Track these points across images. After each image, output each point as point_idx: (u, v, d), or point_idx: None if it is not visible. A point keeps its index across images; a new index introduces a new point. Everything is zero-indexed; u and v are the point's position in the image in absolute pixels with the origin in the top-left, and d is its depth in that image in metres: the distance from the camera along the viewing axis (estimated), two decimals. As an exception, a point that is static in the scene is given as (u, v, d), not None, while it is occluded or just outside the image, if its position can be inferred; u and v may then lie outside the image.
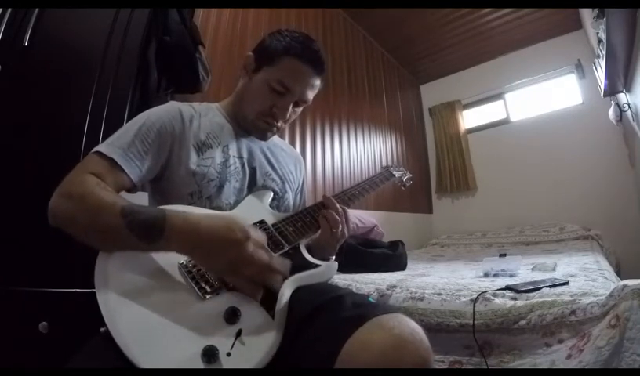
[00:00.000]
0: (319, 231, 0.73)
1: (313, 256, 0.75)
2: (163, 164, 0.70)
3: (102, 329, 0.48)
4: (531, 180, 3.38)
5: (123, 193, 0.65)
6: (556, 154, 3.26)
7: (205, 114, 0.78)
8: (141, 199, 0.75)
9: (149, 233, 0.52)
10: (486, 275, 1.37)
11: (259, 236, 0.55)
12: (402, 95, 3.88)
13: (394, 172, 1.08)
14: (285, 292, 0.56)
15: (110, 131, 0.69)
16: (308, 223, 0.72)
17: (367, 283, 1.36)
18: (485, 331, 0.94)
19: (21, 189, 0.86)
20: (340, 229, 0.73)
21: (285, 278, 0.56)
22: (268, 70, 0.75)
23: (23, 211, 0.84)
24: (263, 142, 0.85)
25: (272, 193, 0.80)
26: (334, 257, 0.79)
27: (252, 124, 0.79)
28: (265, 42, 0.78)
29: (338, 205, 0.74)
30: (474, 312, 0.97)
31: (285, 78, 0.74)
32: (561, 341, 0.84)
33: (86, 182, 0.57)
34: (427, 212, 3.93)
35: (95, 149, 0.63)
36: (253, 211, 0.72)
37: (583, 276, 1.19)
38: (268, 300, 0.55)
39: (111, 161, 0.62)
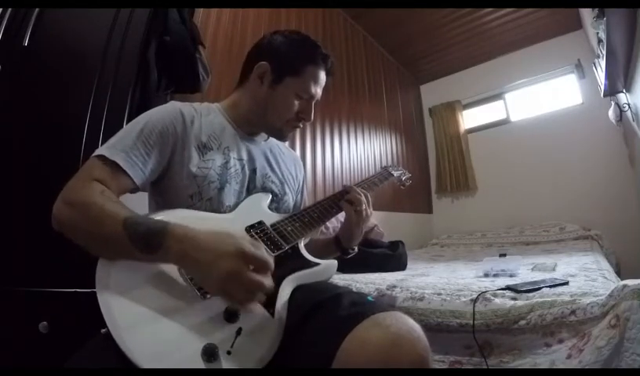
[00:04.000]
0: (319, 230, 0.74)
1: (339, 247, 0.84)
2: (165, 165, 0.70)
3: (103, 330, 0.48)
4: (531, 180, 3.38)
5: (124, 195, 0.65)
6: (556, 154, 3.26)
7: (206, 114, 0.78)
8: (140, 199, 0.75)
9: (149, 245, 0.52)
10: (486, 275, 1.36)
11: (257, 253, 0.50)
12: (402, 95, 3.89)
13: (393, 172, 1.08)
14: (285, 291, 0.57)
15: (110, 131, 0.69)
16: (307, 223, 0.73)
17: (367, 283, 1.36)
18: (485, 331, 0.94)
19: (21, 189, 0.86)
20: (363, 207, 0.80)
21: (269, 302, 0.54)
22: (293, 81, 0.78)
23: (23, 211, 0.84)
24: (263, 144, 0.86)
25: (271, 195, 0.80)
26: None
27: (279, 131, 0.83)
28: (281, 50, 0.79)
29: (358, 189, 0.83)
30: (474, 312, 0.97)
31: (311, 86, 0.79)
32: (561, 341, 0.84)
33: (90, 189, 0.57)
34: (427, 212, 3.93)
35: (97, 152, 0.63)
36: (252, 212, 0.72)
37: (583, 276, 1.19)
38: (268, 298, 0.55)
39: (114, 165, 0.62)
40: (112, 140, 0.66)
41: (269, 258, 0.51)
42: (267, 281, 0.50)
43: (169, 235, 0.52)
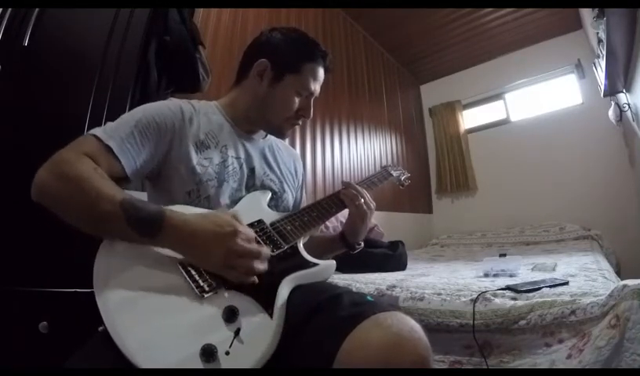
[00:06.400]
0: (319, 229, 0.74)
1: (346, 243, 0.84)
2: (160, 159, 0.70)
3: (100, 328, 0.48)
4: (531, 180, 3.38)
5: None
6: (556, 154, 3.26)
7: (204, 112, 0.78)
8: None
9: (148, 229, 0.53)
10: (486, 275, 1.36)
11: (247, 229, 0.57)
12: (402, 95, 3.89)
13: (393, 172, 1.08)
14: (284, 291, 0.57)
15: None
16: (306, 222, 0.73)
17: (367, 283, 1.36)
18: (485, 331, 0.94)
19: (21, 190, 0.85)
20: (362, 201, 0.81)
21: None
22: (293, 78, 0.78)
23: (23, 211, 0.84)
24: (262, 143, 0.86)
25: (270, 193, 0.80)
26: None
27: (278, 128, 0.83)
28: (281, 48, 0.79)
29: (356, 185, 0.84)
30: (474, 312, 0.97)
31: (311, 83, 0.79)
32: (561, 341, 0.84)
33: (83, 164, 0.56)
34: (427, 212, 3.93)
35: (92, 131, 0.62)
36: (251, 210, 0.72)
37: (583, 276, 1.19)
38: (267, 299, 0.55)
39: (107, 148, 0.61)
40: (109, 125, 0.65)
41: (251, 230, 0.59)
42: (262, 248, 0.58)
43: (167, 222, 0.54)
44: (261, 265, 0.56)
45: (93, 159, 0.58)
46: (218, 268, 0.54)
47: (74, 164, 0.55)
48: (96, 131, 0.63)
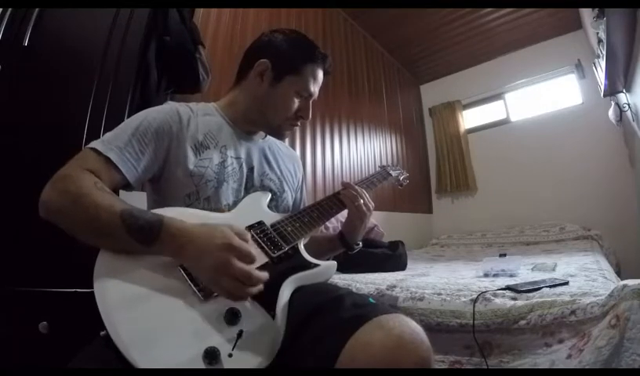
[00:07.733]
0: (319, 230, 0.74)
1: (344, 243, 0.84)
2: (160, 164, 0.70)
3: (102, 333, 0.48)
4: (531, 180, 3.38)
5: (122, 193, 0.65)
6: (556, 154, 3.26)
7: (202, 114, 0.78)
8: (139, 199, 0.75)
9: (147, 237, 0.53)
10: (486, 275, 1.37)
11: (242, 245, 0.52)
12: (402, 95, 3.88)
13: (391, 172, 1.08)
14: (285, 292, 0.57)
15: (110, 131, 0.69)
16: (307, 223, 0.73)
17: (367, 283, 1.36)
18: (485, 331, 0.94)
19: (21, 189, 0.85)
20: (362, 202, 0.81)
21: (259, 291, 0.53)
22: (294, 80, 0.78)
23: (23, 211, 0.84)
24: (261, 143, 0.86)
25: (270, 194, 0.80)
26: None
27: (277, 129, 0.83)
28: (281, 49, 0.79)
29: (355, 186, 0.84)
30: (474, 312, 0.97)
31: (311, 85, 0.80)
32: (561, 341, 0.84)
33: (84, 179, 0.57)
34: (427, 212, 3.93)
35: (91, 144, 0.63)
36: (251, 212, 0.72)
37: (583, 276, 1.19)
38: (269, 300, 0.55)
39: (107, 160, 0.62)
40: (107, 136, 0.66)
41: (251, 249, 0.52)
42: (255, 272, 0.51)
43: (165, 229, 0.54)
44: (253, 289, 0.50)
45: (94, 173, 0.59)
46: (208, 281, 0.51)
47: (75, 180, 0.56)
48: (95, 144, 0.63)
